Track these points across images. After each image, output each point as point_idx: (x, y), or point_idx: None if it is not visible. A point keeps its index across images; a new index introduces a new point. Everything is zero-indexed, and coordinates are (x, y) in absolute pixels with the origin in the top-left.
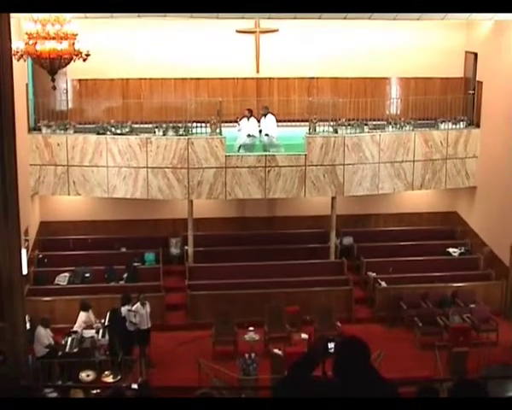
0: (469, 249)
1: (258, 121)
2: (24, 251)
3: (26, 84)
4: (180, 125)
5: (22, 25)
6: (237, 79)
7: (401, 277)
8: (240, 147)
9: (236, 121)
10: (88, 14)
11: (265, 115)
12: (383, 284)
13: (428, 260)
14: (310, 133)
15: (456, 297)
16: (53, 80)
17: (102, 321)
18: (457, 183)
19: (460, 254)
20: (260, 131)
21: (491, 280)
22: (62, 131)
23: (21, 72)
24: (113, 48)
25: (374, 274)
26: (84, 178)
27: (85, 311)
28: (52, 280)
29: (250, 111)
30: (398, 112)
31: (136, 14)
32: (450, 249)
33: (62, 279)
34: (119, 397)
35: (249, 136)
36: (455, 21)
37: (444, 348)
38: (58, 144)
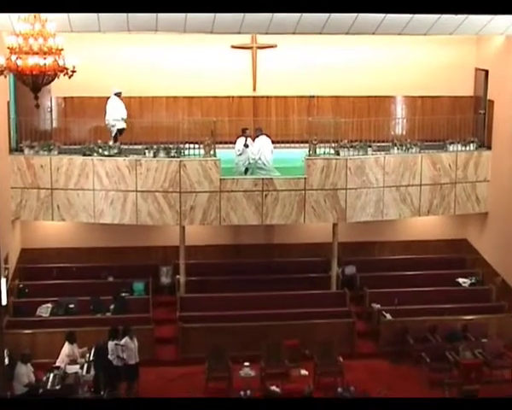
0: (480, 279)
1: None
2: (3, 280)
3: (8, 102)
4: (172, 146)
5: (4, 38)
6: (233, 97)
7: (407, 309)
8: (246, 170)
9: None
10: (74, 28)
11: (258, 137)
12: (388, 316)
13: (437, 290)
14: (310, 155)
15: (466, 331)
16: (36, 98)
17: (87, 356)
18: (467, 208)
19: (470, 284)
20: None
21: (505, 312)
22: (46, 152)
23: (3, 89)
24: (100, 64)
25: (378, 306)
26: (68, 202)
27: (71, 343)
28: (33, 311)
29: (244, 130)
30: (404, 133)
31: (126, 29)
32: (460, 279)
33: (44, 311)
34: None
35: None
36: (464, 37)
37: (454, 386)
38: (41, 166)
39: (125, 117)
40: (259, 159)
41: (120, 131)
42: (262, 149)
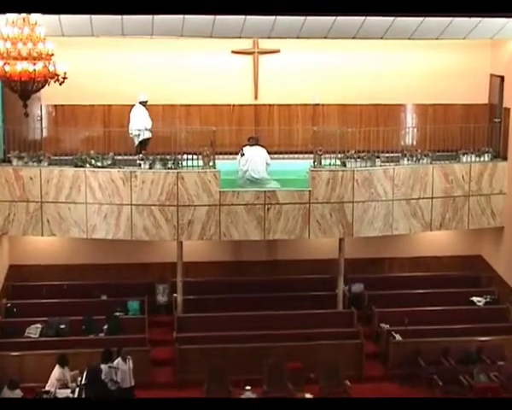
0: (496, 298)
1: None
2: None
3: None
4: (169, 157)
5: None
6: (233, 105)
7: (418, 329)
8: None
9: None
10: (66, 32)
11: (251, 147)
12: (398, 337)
13: (449, 310)
14: (315, 167)
15: (481, 353)
16: (25, 106)
17: (79, 379)
18: (482, 223)
19: (485, 303)
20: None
21: None
22: (35, 164)
23: None
24: (93, 70)
25: (387, 326)
26: (59, 216)
27: (62, 366)
28: (22, 332)
29: (249, 139)
30: (415, 143)
31: (120, 33)
32: (475, 298)
33: (34, 331)
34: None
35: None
36: (478, 41)
37: None
38: (31, 178)
39: (148, 127)
40: (247, 171)
41: (145, 141)
42: (253, 159)
